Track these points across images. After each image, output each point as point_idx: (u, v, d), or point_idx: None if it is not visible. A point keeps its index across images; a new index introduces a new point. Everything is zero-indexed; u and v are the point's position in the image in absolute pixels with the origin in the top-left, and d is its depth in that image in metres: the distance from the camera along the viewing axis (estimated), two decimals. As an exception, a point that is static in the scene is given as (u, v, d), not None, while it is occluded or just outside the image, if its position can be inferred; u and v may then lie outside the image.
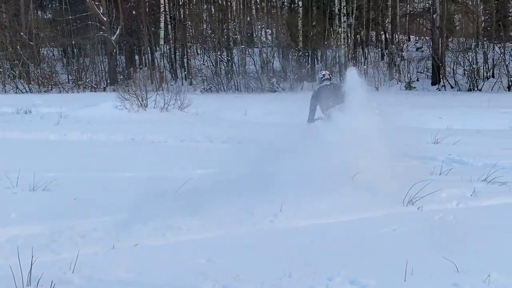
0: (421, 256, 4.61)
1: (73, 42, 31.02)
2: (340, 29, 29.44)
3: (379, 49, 32.16)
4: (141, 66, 32.29)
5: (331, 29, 30.57)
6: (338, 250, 4.93)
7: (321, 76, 9.26)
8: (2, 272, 4.33)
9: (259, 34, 33.28)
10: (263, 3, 35.82)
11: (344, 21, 29.12)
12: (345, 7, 29.09)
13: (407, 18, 34.14)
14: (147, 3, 32.22)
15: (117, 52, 30.33)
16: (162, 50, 31.08)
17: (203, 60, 31.93)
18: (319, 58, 30.64)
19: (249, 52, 30.28)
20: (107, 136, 12.22)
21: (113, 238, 5.18)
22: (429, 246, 4.88)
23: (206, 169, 8.34)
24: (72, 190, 7.12)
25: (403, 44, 31.81)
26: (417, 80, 28.12)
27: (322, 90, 8.84)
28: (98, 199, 6.69)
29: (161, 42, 30.40)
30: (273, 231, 5.64)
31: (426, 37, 31.95)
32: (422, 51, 30.69)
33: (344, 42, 29.00)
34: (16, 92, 27.76)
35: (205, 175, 7.89)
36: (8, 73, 29.61)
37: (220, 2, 33.95)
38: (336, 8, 29.68)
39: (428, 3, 32.38)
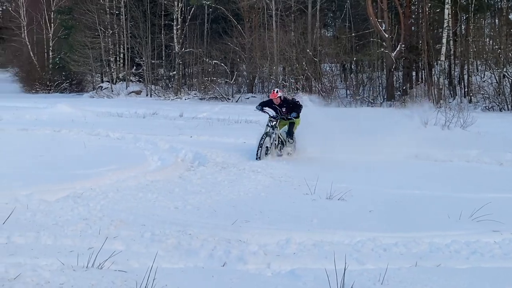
0: None
1: (354, 58, 32.09)
2: None
3: None
4: (418, 82, 31.89)
5: None
6: None
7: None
8: (314, 274, 4.67)
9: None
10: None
11: None
12: None
13: None
14: (429, 19, 31.70)
15: (396, 68, 30.48)
16: (442, 66, 30.23)
17: (485, 77, 30.16)
18: None
19: (540, 68, 27.65)
20: (390, 150, 12.21)
21: (415, 255, 5.20)
22: None
23: (502, 193, 7.86)
24: (365, 202, 7.36)
25: None
26: None
27: None
28: (391, 214, 6.79)
29: (442, 58, 29.60)
30: None
31: None
32: None
33: None
34: (299, 105, 29.80)
35: (504, 200, 7.43)
36: (292, 86, 31.96)
37: (506, 15, 31.73)
38: None
39: None
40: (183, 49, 35.34)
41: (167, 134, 14.10)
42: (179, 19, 35.20)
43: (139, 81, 37.60)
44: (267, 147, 11.02)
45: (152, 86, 35.85)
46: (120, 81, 37.12)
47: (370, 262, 5.03)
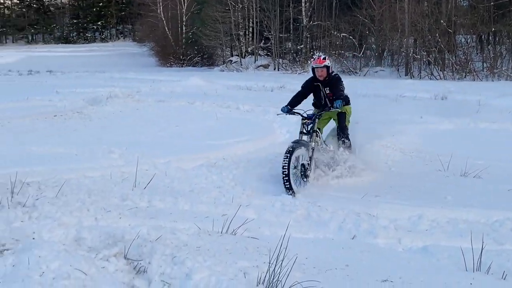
0: None
1: (492, 29, 30.14)
2: None
3: None
4: None
5: None
6: None
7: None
8: (448, 251, 4.54)
9: None
10: None
11: None
12: None
13: None
14: None
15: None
16: None
17: None
18: None
19: None
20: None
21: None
22: None
23: None
24: (503, 180, 6.99)
25: None
26: None
27: None
28: (533, 194, 6.39)
29: None
30: None
31: None
32: None
33: None
34: (430, 79, 28.65)
35: None
36: (424, 59, 30.74)
37: None
38: None
39: None
40: (311, 22, 35.20)
41: (295, 107, 14.18)
42: (308, -9, 35.05)
43: (267, 55, 38.08)
44: (304, 166, 6.74)
45: (280, 59, 36.16)
46: (248, 55, 37.85)
47: (509, 242, 4.79)
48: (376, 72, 32.10)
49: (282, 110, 7.53)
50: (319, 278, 3.82)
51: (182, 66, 40.43)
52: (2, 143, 8.68)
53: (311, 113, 7.18)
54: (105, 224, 5.05)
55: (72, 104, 13.77)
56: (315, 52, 33.79)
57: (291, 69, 34.69)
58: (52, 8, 70.33)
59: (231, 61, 37.79)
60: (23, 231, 4.67)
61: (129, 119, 11.80)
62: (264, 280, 3.66)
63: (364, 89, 19.90)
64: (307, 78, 7.78)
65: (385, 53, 34.32)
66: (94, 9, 65.80)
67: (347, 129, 7.40)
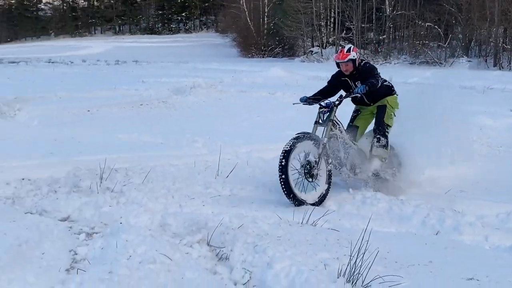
0: None
1: None
2: None
3: None
4: None
5: None
6: None
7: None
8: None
9: None
10: None
11: None
12: None
13: None
14: None
15: None
16: None
17: None
18: None
19: None
20: None
21: None
22: None
23: None
24: None
25: None
26: None
27: None
28: None
29: None
30: None
31: None
32: None
33: None
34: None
35: None
36: (515, 50, 29.35)
37: None
38: None
39: None
40: (394, 12, 34.41)
41: (377, 99, 13.93)
42: (392, -20, 34.26)
43: (349, 45, 37.64)
44: (310, 163, 5.79)
45: (361, 50, 35.59)
46: (329, 46, 37.53)
47: None
48: (462, 63, 30.95)
49: (300, 99, 6.48)
50: (401, 273, 3.75)
51: (263, 57, 40.68)
52: (91, 130, 9.09)
53: (329, 101, 6.10)
54: (189, 211, 5.19)
55: (157, 94, 14.21)
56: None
57: (372, 59, 34.07)
58: (138, 0, 72.56)
59: (312, 51, 37.62)
60: (111, 216, 4.88)
61: (212, 109, 12.03)
62: (344, 272, 3.64)
63: (449, 80, 19.23)
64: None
65: (472, 43, 33.00)
66: (179, 1, 67.31)
67: (386, 125, 6.28)
